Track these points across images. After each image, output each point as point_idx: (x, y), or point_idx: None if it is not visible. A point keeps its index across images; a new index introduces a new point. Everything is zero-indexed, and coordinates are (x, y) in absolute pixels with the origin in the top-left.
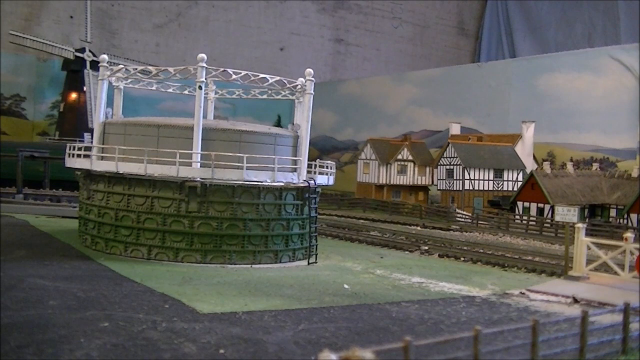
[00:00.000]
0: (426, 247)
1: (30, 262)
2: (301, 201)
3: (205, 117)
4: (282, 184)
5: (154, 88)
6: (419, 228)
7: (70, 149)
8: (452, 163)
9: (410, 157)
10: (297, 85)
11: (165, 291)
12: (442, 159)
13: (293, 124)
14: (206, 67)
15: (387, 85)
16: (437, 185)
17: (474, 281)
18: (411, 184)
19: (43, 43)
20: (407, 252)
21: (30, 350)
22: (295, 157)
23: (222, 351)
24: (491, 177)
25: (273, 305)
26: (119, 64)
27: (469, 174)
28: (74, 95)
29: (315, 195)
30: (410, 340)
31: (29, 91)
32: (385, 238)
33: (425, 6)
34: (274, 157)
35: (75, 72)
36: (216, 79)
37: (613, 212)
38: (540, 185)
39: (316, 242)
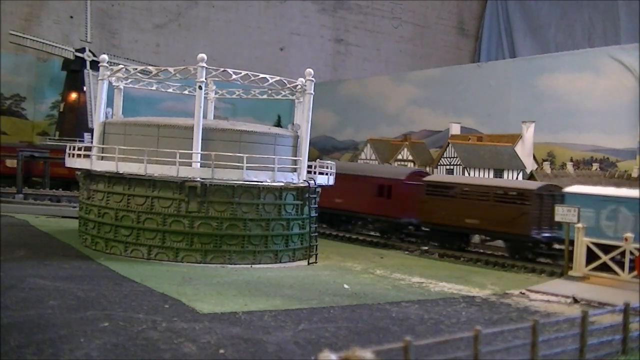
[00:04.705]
0: (426, 247)
1: (30, 262)
2: (301, 201)
3: (205, 117)
4: (282, 184)
5: (154, 88)
6: None
7: (70, 149)
8: (452, 163)
9: (410, 157)
10: (297, 85)
11: (165, 291)
12: (442, 159)
13: (293, 124)
14: (206, 67)
15: (387, 85)
16: None
17: (473, 281)
18: None
19: (43, 43)
20: (407, 252)
21: (30, 350)
22: (295, 157)
23: (222, 351)
24: (491, 177)
25: (273, 305)
26: (119, 64)
27: (469, 174)
28: (74, 95)
29: (315, 195)
30: (410, 340)
31: (29, 91)
32: (385, 238)
33: (425, 6)
34: (274, 157)
35: (75, 72)
36: (216, 79)
37: None
38: None
39: (316, 242)
